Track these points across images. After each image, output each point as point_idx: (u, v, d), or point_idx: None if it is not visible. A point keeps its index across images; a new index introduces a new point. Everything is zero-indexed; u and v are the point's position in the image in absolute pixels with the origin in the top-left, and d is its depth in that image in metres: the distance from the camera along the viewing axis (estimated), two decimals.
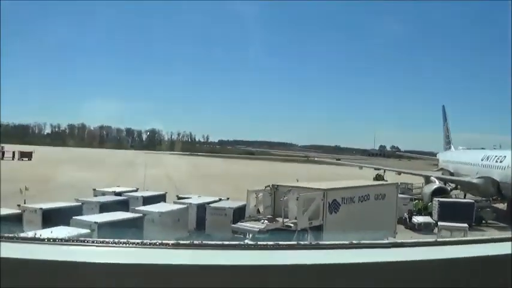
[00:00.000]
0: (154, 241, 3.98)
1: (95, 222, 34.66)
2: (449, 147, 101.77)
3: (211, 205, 44.64)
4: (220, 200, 47.40)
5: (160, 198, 48.22)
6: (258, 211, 39.50)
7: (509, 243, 4.38)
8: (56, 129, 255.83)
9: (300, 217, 36.01)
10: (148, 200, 46.00)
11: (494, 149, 76.90)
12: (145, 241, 3.99)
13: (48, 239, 4.11)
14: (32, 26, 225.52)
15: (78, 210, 40.15)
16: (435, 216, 54.96)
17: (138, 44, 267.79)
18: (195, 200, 46.91)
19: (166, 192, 50.90)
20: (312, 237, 34.92)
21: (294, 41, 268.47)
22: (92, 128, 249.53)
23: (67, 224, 33.76)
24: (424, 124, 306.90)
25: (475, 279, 4.03)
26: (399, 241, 4.35)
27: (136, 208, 42.01)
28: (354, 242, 4.18)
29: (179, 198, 48.71)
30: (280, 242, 4.14)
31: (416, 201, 61.56)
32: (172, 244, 4.01)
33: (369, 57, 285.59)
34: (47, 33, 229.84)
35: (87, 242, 4.16)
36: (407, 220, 54.30)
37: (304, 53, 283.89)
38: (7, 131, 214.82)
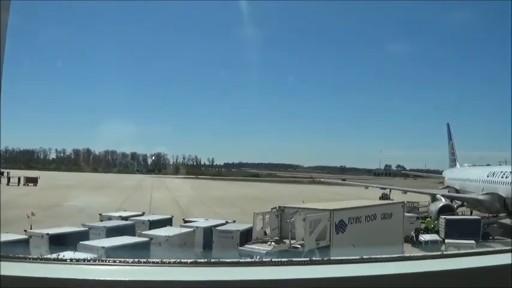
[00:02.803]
0: (169, 260, 4.07)
1: (102, 247, 34.61)
2: (455, 165, 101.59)
3: (218, 228, 44.48)
4: (226, 222, 47.26)
5: (167, 222, 48.06)
6: (265, 233, 39.41)
7: (510, 254, 4.48)
8: (61, 155, 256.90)
9: (307, 238, 35.94)
10: (154, 224, 45.82)
11: (500, 164, 76.70)
12: (156, 260, 4.07)
13: (56, 259, 4.21)
14: (38, 51, 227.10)
15: (84, 235, 40.15)
16: (442, 233, 54.74)
17: (142, 67, 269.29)
18: (202, 223, 46.71)
19: (172, 216, 50.68)
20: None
21: (297, 60, 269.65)
22: (97, 153, 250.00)
23: (74, 249, 33.67)
24: (429, 143, 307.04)
25: None
26: (407, 255, 4.44)
27: (142, 232, 41.98)
28: (364, 256, 4.27)
29: (185, 221, 48.50)
30: (293, 259, 4.23)
31: (429, 219, 61.26)
32: (191, 262, 4.10)
33: (372, 76, 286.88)
34: (51, 57, 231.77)
35: (95, 261, 4.26)
36: (414, 238, 54.12)
37: (307, 73, 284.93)
38: (12, 157, 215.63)
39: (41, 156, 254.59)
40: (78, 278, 3.86)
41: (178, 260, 4.10)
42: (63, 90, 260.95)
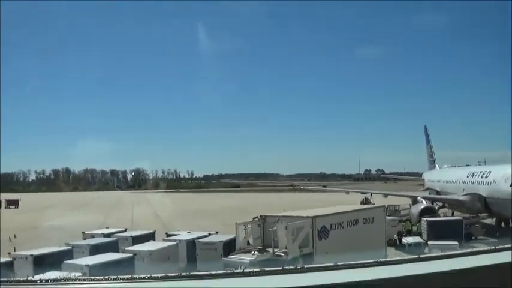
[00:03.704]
0: (144, 275, 4.03)
1: (86, 265, 34.46)
2: (434, 167, 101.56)
3: (201, 240, 44.26)
4: (209, 234, 47.01)
5: (150, 237, 47.88)
6: (248, 243, 39.31)
7: (491, 254, 4.49)
8: (41, 175, 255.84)
9: (290, 246, 35.90)
10: (137, 240, 45.68)
11: (479, 165, 77.06)
12: (135, 276, 4.04)
13: (40, 280, 4.16)
14: (12, 72, 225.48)
15: (68, 254, 39.95)
16: (424, 235, 54.79)
17: (119, 82, 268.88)
18: (185, 236, 46.54)
19: (155, 231, 50.54)
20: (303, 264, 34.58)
21: (272, 71, 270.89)
22: (76, 172, 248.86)
23: (59, 268, 33.47)
24: (408, 146, 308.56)
25: None
26: (383, 259, 4.41)
27: (126, 248, 41.72)
28: (339, 263, 4.24)
29: (168, 235, 48.29)
30: (267, 268, 4.19)
31: (406, 222, 61.62)
32: (162, 277, 4.06)
33: (349, 81, 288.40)
34: (25, 78, 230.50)
35: (78, 280, 4.21)
36: (397, 241, 54.24)
37: (283, 83, 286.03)
38: None
39: (21, 179, 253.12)
40: None
41: (149, 275, 4.07)
42: (40, 111, 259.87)
